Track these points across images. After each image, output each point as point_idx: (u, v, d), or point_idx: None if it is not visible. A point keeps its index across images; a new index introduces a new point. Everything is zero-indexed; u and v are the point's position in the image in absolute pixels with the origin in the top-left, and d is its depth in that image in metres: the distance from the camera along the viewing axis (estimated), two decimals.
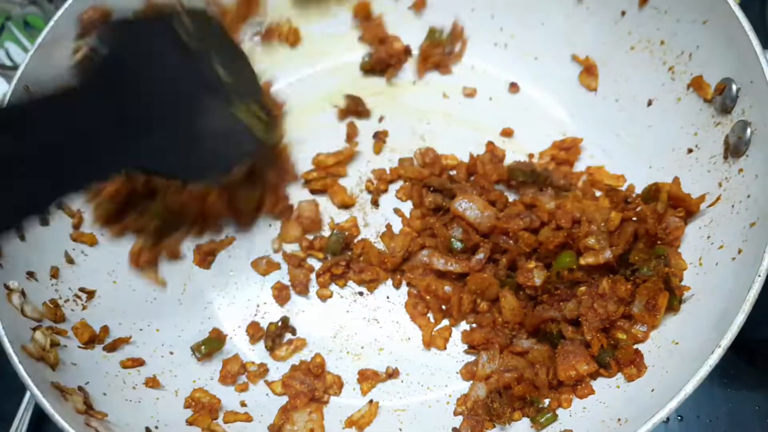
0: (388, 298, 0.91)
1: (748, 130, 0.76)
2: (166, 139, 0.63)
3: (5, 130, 0.54)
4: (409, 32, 1.08)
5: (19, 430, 0.90)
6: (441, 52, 1.06)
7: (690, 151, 0.86)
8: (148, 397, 0.80)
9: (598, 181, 0.93)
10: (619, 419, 0.69)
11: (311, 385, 0.83)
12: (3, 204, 0.53)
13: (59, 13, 0.86)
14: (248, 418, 0.82)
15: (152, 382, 0.82)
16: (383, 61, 1.06)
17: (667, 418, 0.91)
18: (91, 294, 0.85)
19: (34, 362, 0.71)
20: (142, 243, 0.71)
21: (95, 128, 0.58)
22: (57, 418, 0.65)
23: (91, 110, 0.58)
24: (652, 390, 0.69)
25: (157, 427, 0.76)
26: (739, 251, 0.72)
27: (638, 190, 0.89)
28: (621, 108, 0.96)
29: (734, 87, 0.79)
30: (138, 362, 0.83)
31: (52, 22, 0.86)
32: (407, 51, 1.07)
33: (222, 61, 0.68)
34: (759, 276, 0.65)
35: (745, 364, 0.95)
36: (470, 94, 1.05)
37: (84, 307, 0.84)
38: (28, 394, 0.92)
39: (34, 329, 0.74)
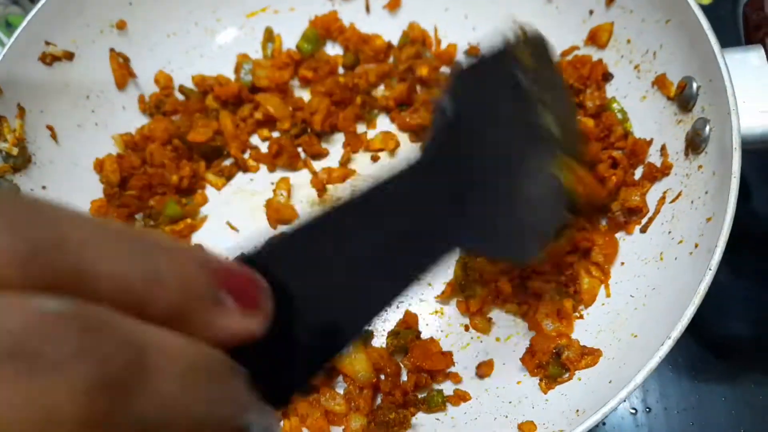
0: None
1: (707, 128, 0.77)
2: (489, 209, 0.49)
3: None
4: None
5: None
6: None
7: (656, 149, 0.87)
8: None
9: None
10: (577, 410, 0.71)
11: None
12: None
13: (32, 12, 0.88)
14: None
15: None
16: None
17: (635, 410, 0.93)
18: None
19: None
20: None
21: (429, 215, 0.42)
22: None
23: (429, 192, 0.43)
24: (610, 381, 0.71)
25: None
26: (696, 245, 0.73)
27: None
28: None
29: (695, 85, 0.80)
30: None
31: (25, 23, 0.88)
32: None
33: (552, 105, 0.55)
34: (710, 269, 0.66)
35: (714, 357, 0.97)
36: None
37: None
38: None
39: None
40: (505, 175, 0.51)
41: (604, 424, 0.93)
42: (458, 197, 0.45)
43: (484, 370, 0.83)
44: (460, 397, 0.81)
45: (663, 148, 0.85)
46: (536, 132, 0.54)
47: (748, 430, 0.91)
